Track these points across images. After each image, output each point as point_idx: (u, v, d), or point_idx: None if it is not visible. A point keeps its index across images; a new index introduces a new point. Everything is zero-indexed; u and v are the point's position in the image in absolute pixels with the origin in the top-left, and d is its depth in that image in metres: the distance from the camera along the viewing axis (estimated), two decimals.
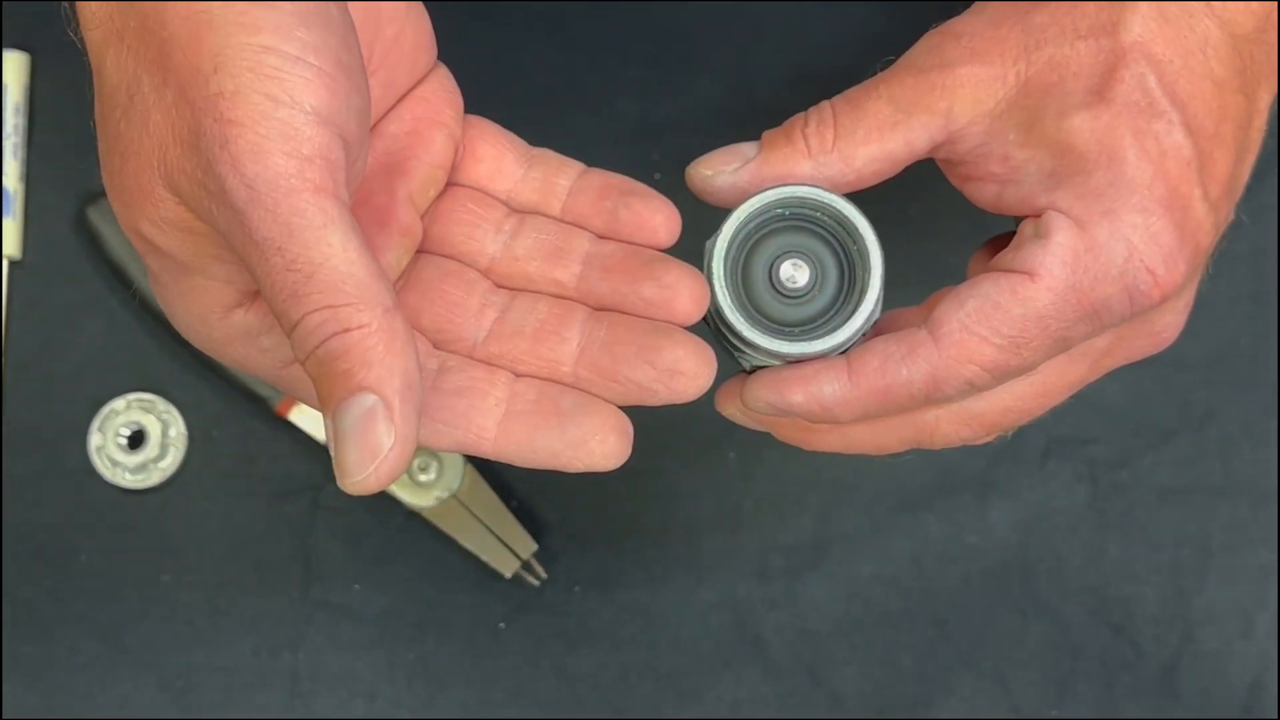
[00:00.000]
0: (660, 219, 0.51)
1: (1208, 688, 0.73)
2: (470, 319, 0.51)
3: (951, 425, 0.53)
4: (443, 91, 0.53)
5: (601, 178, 0.52)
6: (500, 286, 0.52)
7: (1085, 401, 0.74)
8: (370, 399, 0.43)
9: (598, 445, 0.49)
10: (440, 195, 0.53)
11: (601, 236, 0.52)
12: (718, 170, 0.52)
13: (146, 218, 0.46)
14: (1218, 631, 0.74)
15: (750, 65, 0.76)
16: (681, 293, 0.50)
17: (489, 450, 0.49)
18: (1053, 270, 0.49)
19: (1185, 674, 0.74)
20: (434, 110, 0.52)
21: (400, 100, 0.52)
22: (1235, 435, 0.75)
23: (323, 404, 0.44)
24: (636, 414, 0.74)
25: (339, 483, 0.43)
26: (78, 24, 0.47)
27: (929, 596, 0.74)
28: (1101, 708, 0.73)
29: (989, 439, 0.55)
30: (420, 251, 0.52)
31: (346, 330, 0.43)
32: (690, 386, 0.49)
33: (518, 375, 0.50)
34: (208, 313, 0.48)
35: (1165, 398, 0.75)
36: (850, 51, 0.74)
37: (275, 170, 0.43)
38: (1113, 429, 0.75)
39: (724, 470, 0.74)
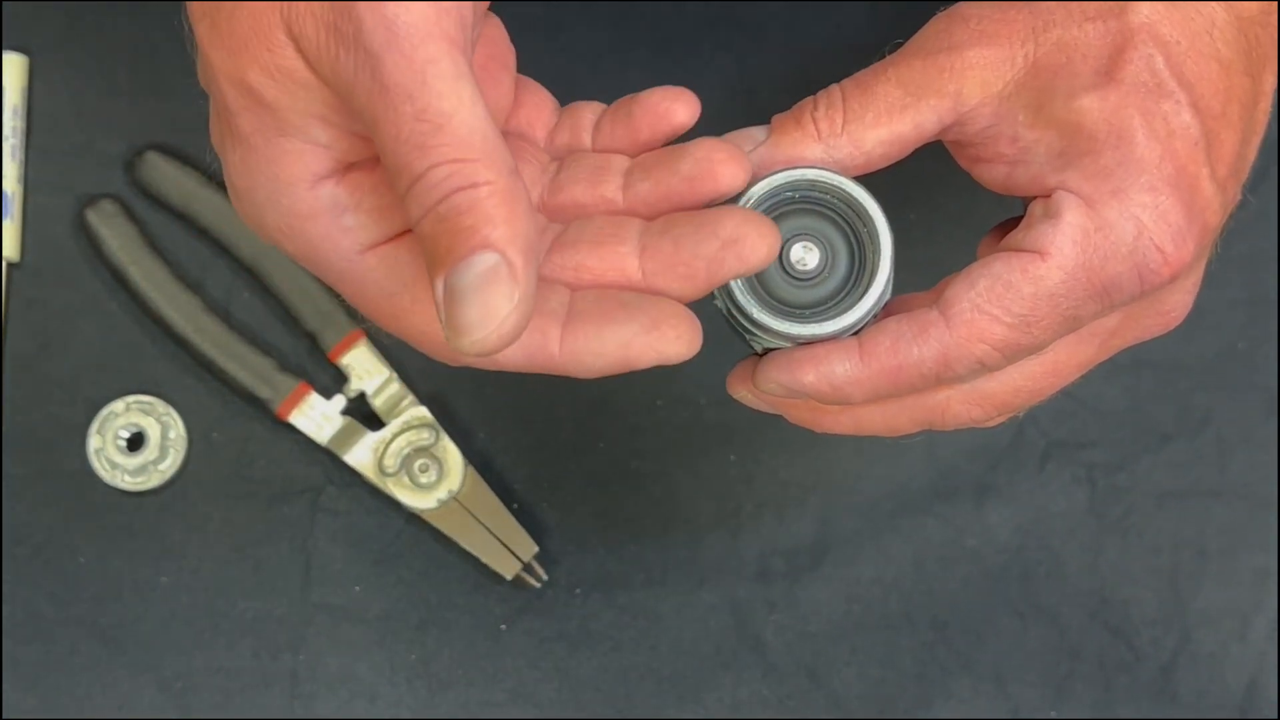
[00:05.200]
0: (670, 99, 0.51)
1: (1204, 689, 0.74)
2: None
3: (963, 405, 0.53)
4: (501, 38, 0.53)
5: (618, 103, 0.53)
6: (553, 221, 0.51)
7: (1084, 405, 0.75)
8: (493, 257, 0.42)
9: (671, 329, 0.47)
10: None
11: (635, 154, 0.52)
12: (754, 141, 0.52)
13: (258, 64, 0.45)
14: (1214, 633, 0.74)
15: (750, 69, 0.76)
16: (718, 156, 0.49)
17: (556, 355, 0.48)
18: (1063, 249, 0.49)
19: (1182, 675, 0.74)
20: (500, 52, 0.53)
21: None
22: (1232, 439, 0.75)
23: (436, 264, 0.43)
24: (636, 417, 0.75)
25: (453, 342, 0.43)
26: None
27: (928, 599, 0.74)
28: (1099, 709, 0.74)
29: (1000, 420, 0.55)
30: None
31: (473, 185, 0.43)
32: (756, 252, 0.48)
33: (579, 286, 0.49)
34: (297, 180, 0.47)
35: (1163, 402, 0.76)
36: (849, 55, 0.74)
37: (415, 14, 0.43)
38: (1111, 433, 0.75)
39: (724, 473, 0.75)
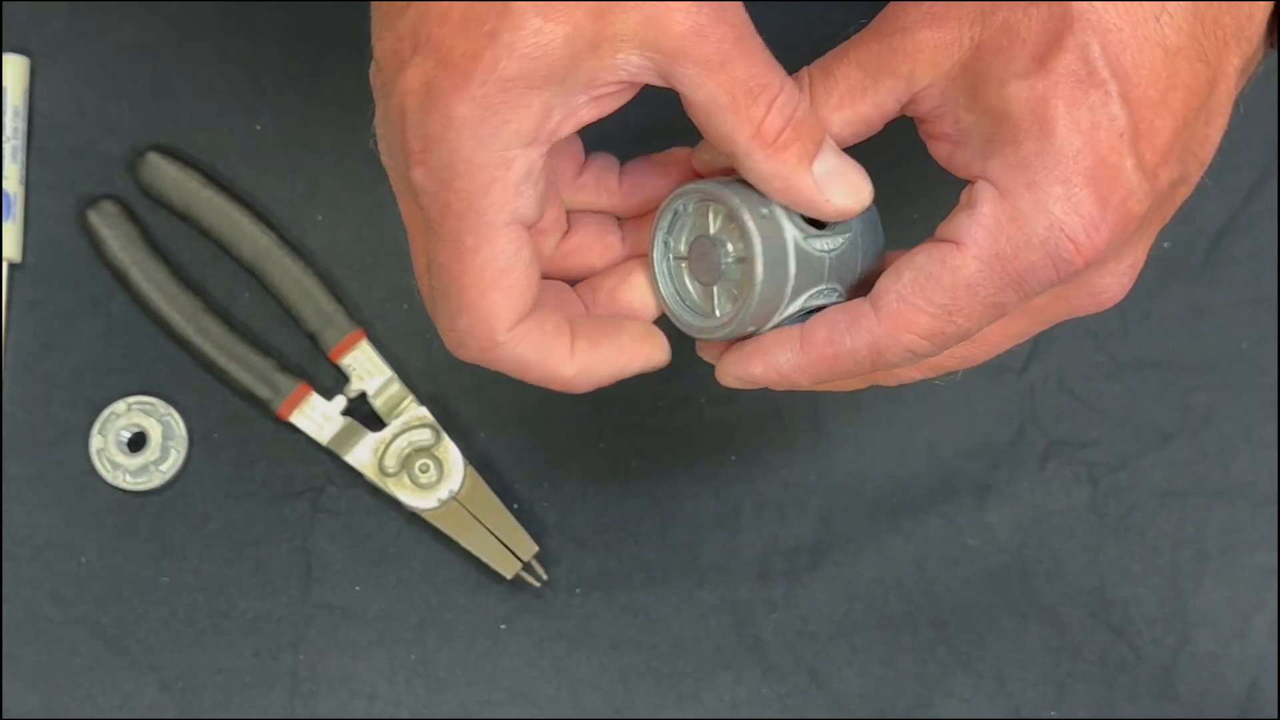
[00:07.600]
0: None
1: (1205, 689, 0.74)
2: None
3: (903, 370, 0.56)
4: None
5: (628, 167, 0.59)
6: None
7: (1085, 405, 0.75)
8: (832, 143, 0.52)
9: (656, 338, 0.57)
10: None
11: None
12: (715, 153, 0.56)
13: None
14: (1215, 633, 0.74)
15: None
16: None
17: (569, 374, 0.55)
18: (978, 239, 0.51)
19: (1183, 675, 0.74)
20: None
21: None
22: (1234, 438, 0.75)
23: (796, 167, 0.52)
24: (637, 417, 0.75)
25: (834, 215, 0.53)
26: None
27: (929, 598, 0.74)
28: (1100, 708, 0.73)
29: (939, 376, 0.57)
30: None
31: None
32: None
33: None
34: (524, 130, 0.50)
35: (1165, 401, 0.75)
36: None
37: (687, 25, 0.51)
38: (1112, 432, 0.75)
39: (724, 472, 0.75)
